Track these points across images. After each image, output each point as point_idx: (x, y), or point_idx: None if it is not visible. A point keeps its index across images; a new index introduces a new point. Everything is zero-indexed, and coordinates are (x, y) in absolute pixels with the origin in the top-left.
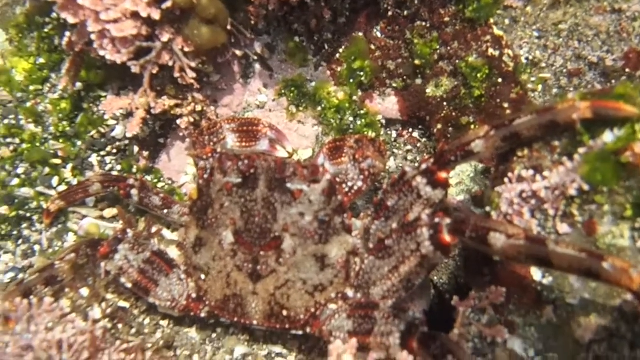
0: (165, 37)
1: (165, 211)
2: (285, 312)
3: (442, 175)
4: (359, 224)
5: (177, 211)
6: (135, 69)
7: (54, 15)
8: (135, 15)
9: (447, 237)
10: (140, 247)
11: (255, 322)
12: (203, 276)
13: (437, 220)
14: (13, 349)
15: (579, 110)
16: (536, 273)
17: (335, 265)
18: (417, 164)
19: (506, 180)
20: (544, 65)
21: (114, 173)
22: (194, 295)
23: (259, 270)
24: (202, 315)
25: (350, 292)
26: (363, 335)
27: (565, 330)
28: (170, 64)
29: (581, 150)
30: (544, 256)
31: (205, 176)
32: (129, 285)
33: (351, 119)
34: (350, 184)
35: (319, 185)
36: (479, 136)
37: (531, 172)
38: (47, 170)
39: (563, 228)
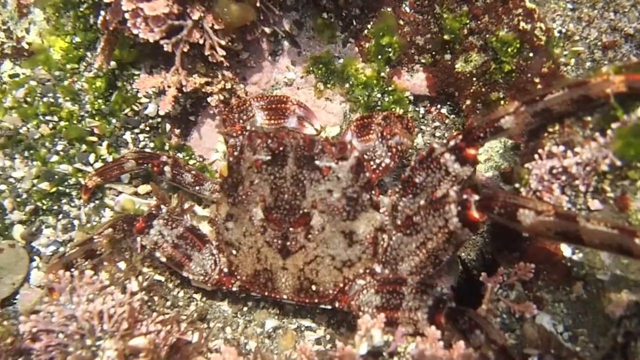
0: (195, 15)
1: (197, 188)
2: (314, 287)
3: (471, 151)
4: (386, 200)
5: (208, 188)
6: (167, 47)
7: None
8: None
9: (475, 214)
10: (174, 223)
11: (285, 297)
12: (234, 251)
13: (465, 196)
14: (58, 319)
15: (613, 84)
16: (566, 249)
17: (363, 242)
18: (445, 141)
19: (536, 156)
20: (577, 38)
21: (147, 150)
22: (225, 270)
23: (288, 246)
24: (234, 289)
25: (378, 268)
26: (391, 310)
27: (595, 306)
28: (201, 42)
29: (614, 125)
30: (574, 233)
31: (235, 153)
32: (164, 260)
33: (379, 95)
34: (377, 160)
35: (347, 162)
36: (508, 112)
37: (562, 148)
38: (84, 147)
39: (594, 204)
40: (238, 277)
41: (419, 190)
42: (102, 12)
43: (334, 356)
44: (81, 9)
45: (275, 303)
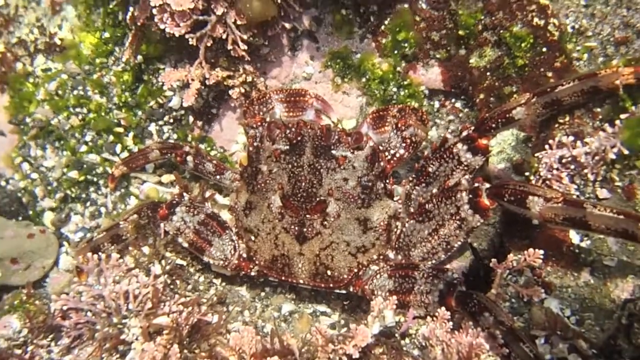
0: (219, 11)
1: (218, 177)
2: (329, 272)
3: (483, 142)
4: (400, 189)
5: (229, 177)
6: (192, 41)
7: None
8: None
9: (485, 201)
10: (196, 210)
11: (301, 281)
12: (253, 237)
13: (476, 184)
14: (87, 298)
15: (623, 76)
16: (575, 236)
17: (377, 228)
18: (458, 132)
19: (546, 146)
20: (590, 33)
21: (171, 141)
22: (244, 255)
23: (305, 232)
24: (252, 274)
25: (391, 254)
26: (403, 293)
27: (602, 291)
28: (224, 36)
29: (623, 116)
30: (582, 219)
31: (255, 143)
32: (186, 245)
33: (394, 89)
34: (392, 151)
35: (363, 152)
36: (520, 103)
37: (572, 138)
38: (111, 138)
39: (602, 193)
40: (256, 262)
41: (432, 179)
42: (131, 9)
43: (347, 336)
44: (110, 6)
45: (292, 289)
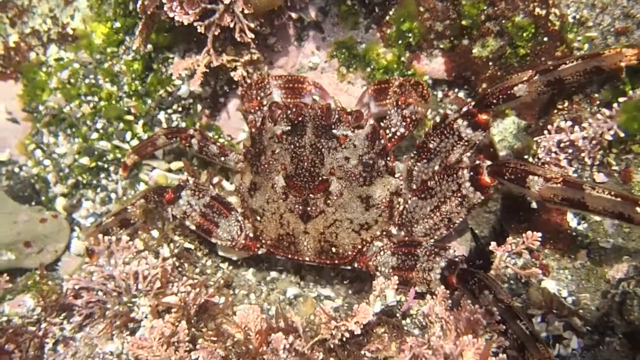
0: (227, 0)
1: (223, 159)
2: (334, 249)
3: (483, 117)
4: (401, 166)
5: (233, 158)
6: (200, 29)
7: None
8: None
9: (486, 179)
10: (201, 193)
11: (307, 259)
12: (258, 217)
13: (477, 162)
14: (98, 278)
15: (626, 56)
16: (572, 220)
17: (380, 205)
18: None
19: (545, 131)
20: (591, 24)
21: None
22: (251, 235)
23: (308, 211)
24: (260, 252)
25: (394, 230)
26: (406, 270)
27: (598, 272)
28: (231, 25)
29: (621, 99)
30: (580, 200)
31: (257, 124)
32: (193, 227)
33: (398, 76)
34: (393, 129)
35: (363, 130)
36: (522, 80)
37: (570, 123)
38: (121, 125)
39: (600, 177)
40: (263, 241)
41: (433, 155)
42: None
43: (349, 314)
44: None
45: (297, 272)
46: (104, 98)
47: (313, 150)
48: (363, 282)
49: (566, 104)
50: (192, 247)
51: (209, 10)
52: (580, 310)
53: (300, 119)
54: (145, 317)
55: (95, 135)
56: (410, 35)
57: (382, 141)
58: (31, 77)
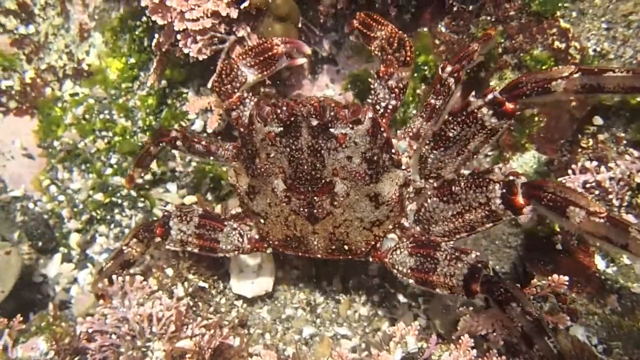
0: (240, 33)
1: (211, 157)
2: (346, 247)
3: (510, 106)
4: (403, 145)
5: (222, 155)
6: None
7: (144, 19)
8: (215, 14)
9: (520, 200)
10: (187, 216)
11: (319, 256)
12: (262, 220)
13: (511, 178)
14: (111, 321)
15: None
16: (600, 262)
17: (390, 202)
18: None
19: (569, 171)
20: (612, 56)
21: (193, 164)
22: (256, 237)
23: (315, 213)
24: (268, 252)
25: (406, 223)
26: (426, 273)
27: (630, 319)
28: None
29: None
30: (624, 241)
31: (245, 123)
32: (196, 251)
33: (414, 112)
34: (383, 104)
35: (363, 125)
36: (562, 75)
37: (595, 163)
38: None
39: (628, 219)
40: (270, 242)
41: (451, 144)
42: (156, 35)
43: None
44: (136, 32)
45: (313, 310)
46: (118, 133)
47: (312, 153)
48: (380, 321)
49: (591, 142)
50: (207, 285)
51: (220, 50)
52: None
53: (292, 119)
54: None
55: (109, 171)
56: (425, 68)
57: (385, 134)
58: (46, 113)
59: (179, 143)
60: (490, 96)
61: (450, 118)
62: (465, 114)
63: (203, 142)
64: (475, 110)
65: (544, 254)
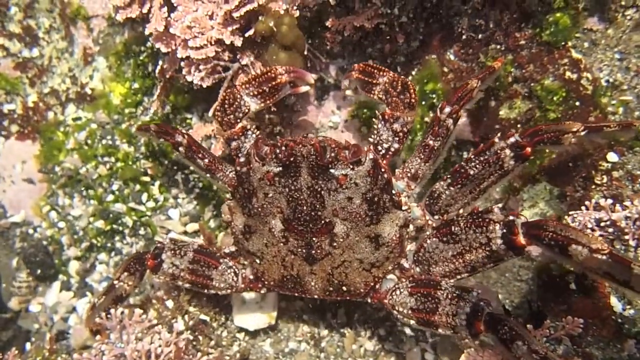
0: (245, 61)
1: (209, 176)
2: (344, 288)
3: (529, 150)
4: (401, 185)
5: (220, 178)
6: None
7: (149, 44)
8: (219, 42)
9: (522, 240)
10: (182, 250)
11: (315, 296)
12: (258, 260)
13: (511, 218)
14: (108, 357)
15: None
16: (617, 304)
17: (390, 243)
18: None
19: (583, 207)
20: (625, 87)
21: (197, 190)
22: (251, 277)
23: (313, 254)
24: (262, 291)
25: (406, 264)
26: (427, 313)
27: None
28: None
29: None
30: (627, 278)
31: (242, 160)
32: (188, 286)
33: (420, 137)
34: (385, 145)
35: (363, 167)
36: (572, 130)
37: (610, 201)
38: (137, 187)
39: None
40: (265, 282)
41: (469, 182)
42: (160, 62)
43: None
44: (141, 58)
45: (317, 344)
46: (120, 159)
47: (311, 194)
48: (387, 356)
49: (605, 179)
50: (208, 318)
51: (224, 78)
52: None
53: (292, 159)
54: None
55: (110, 198)
56: (434, 96)
57: (385, 175)
58: (48, 138)
59: (181, 149)
60: (512, 139)
61: (473, 157)
62: (489, 153)
63: (206, 160)
64: (499, 151)
65: (557, 294)
